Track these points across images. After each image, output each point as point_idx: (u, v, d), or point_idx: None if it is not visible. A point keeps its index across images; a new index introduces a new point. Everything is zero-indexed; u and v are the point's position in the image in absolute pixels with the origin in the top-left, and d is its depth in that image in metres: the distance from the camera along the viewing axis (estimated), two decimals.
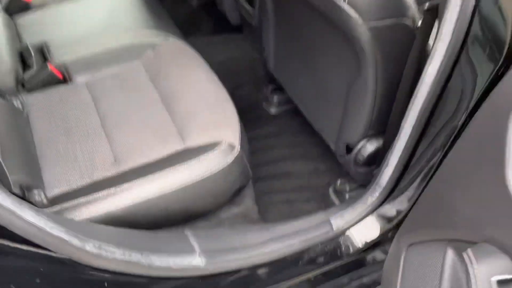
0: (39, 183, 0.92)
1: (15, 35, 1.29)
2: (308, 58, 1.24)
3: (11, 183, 0.82)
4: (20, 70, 1.18)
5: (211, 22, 1.88)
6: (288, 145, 1.51)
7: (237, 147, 0.99)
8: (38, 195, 0.88)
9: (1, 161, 0.78)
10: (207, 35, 1.82)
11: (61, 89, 1.14)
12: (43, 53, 1.23)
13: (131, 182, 0.91)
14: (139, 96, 1.12)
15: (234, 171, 0.99)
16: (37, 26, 1.33)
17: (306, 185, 1.40)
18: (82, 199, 0.88)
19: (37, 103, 1.10)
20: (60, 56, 1.22)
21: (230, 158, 0.97)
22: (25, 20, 1.34)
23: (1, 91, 1.07)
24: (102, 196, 0.89)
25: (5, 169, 0.79)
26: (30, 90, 1.15)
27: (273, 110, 1.62)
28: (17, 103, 1.08)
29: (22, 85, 1.16)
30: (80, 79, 1.18)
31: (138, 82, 1.16)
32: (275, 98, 1.62)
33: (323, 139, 1.32)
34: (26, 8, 1.37)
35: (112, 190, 0.89)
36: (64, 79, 1.18)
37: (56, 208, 0.86)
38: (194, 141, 1.00)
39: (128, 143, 1.00)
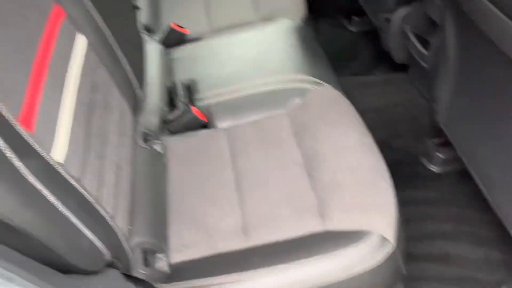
0: (164, 246, 0.85)
1: (168, 70, 1.28)
2: (500, 119, 0.97)
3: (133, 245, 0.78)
4: (166, 109, 1.15)
5: (371, 55, 1.68)
6: (451, 219, 1.23)
7: (392, 243, 0.78)
8: (160, 261, 0.81)
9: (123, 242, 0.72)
10: (365, 71, 1.62)
11: (202, 134, 1.08)
12: (189, 92, 1.18)
13: (259, 270, 0.77)
14: (280, 153, 0.99)
15: (384, 272, 0.79)
16: (188, 61, 1.30)
17: (471, 277, 1.11)
18: (202, 282, 0.78)
19: (177, 149, 1.05)
20: (206, 97, 1.16)
21: (381, 256, 0.77)
22: (179, 53, 1.33)
23: (146, 133, 1.04)
24: (225, 282, 0.77)
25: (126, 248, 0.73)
26: (173, 132, 1.11)
27: (435, 169, 1.35)
28: (158, 146, 1.05)
29: (165, 124, 1.12)
30: (221, 124, 1.10)
31: (280, 136, 1.02)
32: (440, 155, 1.34)
33: (500, 219, 1.02)
34: (182, 40, 1.36)
35: (235, 276, 0.77)
36: (207, 123, 1.12)
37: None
38: (337, 223, 0.82)
39: (260, 212, 0.88)
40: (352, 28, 1.89)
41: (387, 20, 1.38)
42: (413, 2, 1.29)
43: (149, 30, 1.37)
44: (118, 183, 0.79)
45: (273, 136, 1.03)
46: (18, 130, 0.51)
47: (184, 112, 1.12)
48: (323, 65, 1.25)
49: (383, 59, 1.57)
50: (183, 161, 1.03)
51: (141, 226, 0.84)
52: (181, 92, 1.17)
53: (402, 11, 1.32)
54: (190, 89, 1.20)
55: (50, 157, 0.56)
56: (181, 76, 1.25)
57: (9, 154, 0.46)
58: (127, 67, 0.96)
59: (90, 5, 0.85)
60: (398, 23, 1.34)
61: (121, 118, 0.91)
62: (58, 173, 0.56)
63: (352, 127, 0.98)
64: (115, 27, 0.94)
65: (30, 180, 0.49)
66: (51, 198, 0.51)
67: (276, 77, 1.16)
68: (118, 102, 0.91)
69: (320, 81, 1.15)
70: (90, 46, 0.84)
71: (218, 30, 1.39)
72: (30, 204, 0.48)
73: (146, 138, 1.04)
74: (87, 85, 0.79)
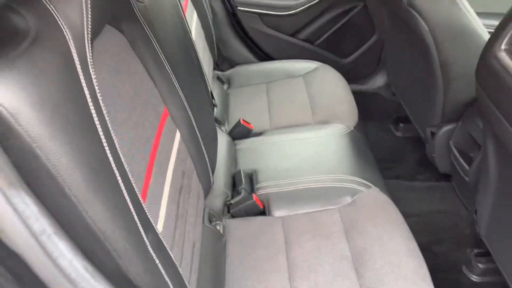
0: None
1: (233, 159, 1.45)
2: None
3: None
4: (229, 194, 1.30)
5: (416, 160, 1.80)
6: None
7: None
8: None
9: None
10: (410, 176, 1.74)
11: (260, 220, 1.21)
12: (251, 181, 1.34)
13: None
14: (330, 246, 1.09)
15: None
16: (251, 153, 1.47)
17: None
18: None
19: (236, 231, 1.18)
20: (265, 187, 1.31)
21: None
22: (243, 145, 1.51)
23: (211, 214, 1.19)
24: None
25: None
26: (234, 215, 1.25)
27: (475, 279, 1.39)
28: (220, 227, 1.19)
29: (228, 209, 1.27)
30: (277, 213, 1.23)
31: (331, 230, 1.14)
32: (480, 265, 1.39)
33: None
34: (247, 134, 1.55)
35: None
36: (264, 211, 1.25)
37: None
38: None
39: None
40: (399, 134, 2.05)
41: (432, 134, 1.52)
42: (457, 121, 1.43)
43: (219, 122, 1.58)
44: (192, 259, 0.92)
45: (324, 229, 1.14)
46: (144, 207, 0.66)
47: (245, 198, 1.26)
48: (372, 168, 1.39)
49: (427, 165, 1.69)
50: (240, 243, 1.15)
51: None
52: (243, 180, 1.32)
53: (447, 128, 1.46)
54: (252, 178, 1.36)
55: (157, 228, 0.70)
56: (244, 165, 1.41)
57: (140, 227, 0.61)
58: (206, 157, 1.14)
59: (186, 105, 1.05)
60: (442, 137, 1.48)
61: (197, 200, 1.06)
62: (162, 243, 0.69)
63: (398, 231, 1.08)
64: (200, 123, 1.13)
65: (150, 250, 0.62)
66: (159, 265, 0.65)
67: (329, 175, 1.30)
68: (197, 186, 1.07)
69: (369, 183, 1.28)
70: (182, 139, 1.03)
71: (279, 128, 1.57)
72: (148, 269, 0.61)
73: (211, 218, 1.19)
74: (179, 173, 0.95)
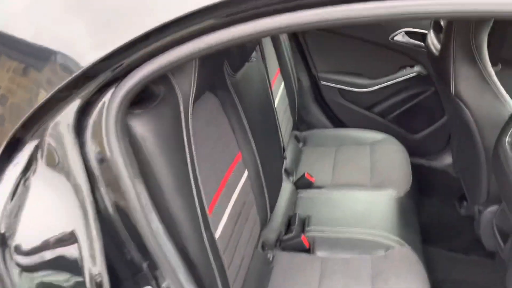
0: None
1: (293, 203, 1.74)
2: None
3: None
4: (283, 231, 1.58)
5: (472, 238, 1.89)
6: None
7: None
8: None
9: None
10: (461, 250, 1.84)
11: (303, 257, 1.45)
12: (303, 224, 1.60)
13: None
14: (355, 287, 1.30)
15: None
16: (309, 201, 1.74)
17: None
18: None
19: (282, 262, 1.44)
20: (314, 230, 1.56)
21: None
22: (304, 194, 1.79)
23: (264, 243, 1.47)
24: None
25: None
26: (283, 249, 1.51)
27: None
28: (270, 255, 1.46)
29: (279, 243, 1.54)
30: (320, 253, 1.47)
31: (360, 274, 1.34)
32: None
33: None
34: (309, 185, 1.83)
35: None
36: (309, 249, 1.50)
37: None
38: None
39: None
40: (462, 211, 2.13)
41: (479, 211, 1.64)
42: (501, 203, 1.55)
43: (288, 173, 1.88)
44: (240, 267, 1.20)
45: (354, 272, 1.35)
46: (207, 213, 0.98)
47: (295, 237, 1.53)
48: (411, 230, 1.56)
49: (480, 243, 1.78)
50: (284, 272, 1.40)
51: None
52: (297, 221, 1.59)
53: (491, 208, 1.58)
54: (304, 221, 1.62)
55: (214, 231, 1.02)
56: (301, 210, 1.69)
57: (202, 225, 0.93)
58: (266, 196, 1.44)
59: (255, 153, 1.37)
60: (487, 216, 1.60)
61: (253, 228, 1.35)
62: (215, 242, 1.00)
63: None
64: (267, 169, 1.45)
65: (205, 242, 0.93)
66: (210, 253, 0.95)
67: (370, 230, 1.51)
68: (254, 217, 1.37)
69: (403, 242, 1.46)
70: (248, 178, 1.35)
71: (338, 185, 1.83)
72: (202, 255, 0.92)
73: (264, 246, 1.47)
74: (240, 202, 1.27)
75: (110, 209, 0.75)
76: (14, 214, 0.74)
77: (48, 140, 0.73)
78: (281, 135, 1.79)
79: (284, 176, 1.81)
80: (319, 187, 1.83)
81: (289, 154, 1.98)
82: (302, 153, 2.10)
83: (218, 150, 1.17)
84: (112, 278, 0.75)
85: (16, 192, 0.75)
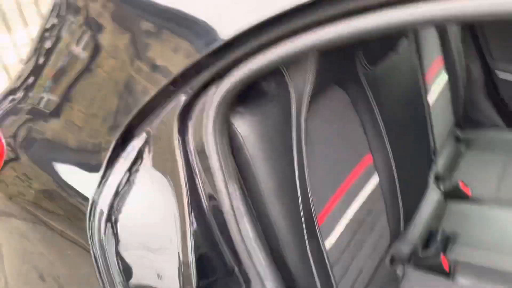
0: None
1: (438, 216, 1.50)
2: None
3: None
4: (420, 247, 1.38)
5: None
6: None
7: None
8: None
9: None
10: None
11: (440, 281, 1.25)
12: (447, 242, 1.37)
13: None
14: None
15: None
16: (460, 216, 1.47)
17: None
18: None
19: (413, 281, 1.26)
20: (459, 253, 1.32)
21: None
22: (455, 207, 1.52)
23: (394, 257, 1.31)
24: None
25: None
26: (416, 266, 1.32)
27: None
28: (400, 272, 1.29)
29: (413, 259, 1.35)
30: (461, 281, 1.23)
31: None
32: None
33: None
34: (463, 197, 1.55)
35: None
36: (449, 274, 1.27)
37: None
38: None
39: None
40: None
41: None
42: None
43: (439, 178, 1.63)
44: (356, 281, 1.09)
45: None
46: (315, 221, 0.90)
47: (434, 255, 1.32)
48: None
49: None
50: None
51: None
52: (439, 237, 1.37)
53: None
54: (448, 240, 1.39)
55: (323, 243, 0.93)
56: (448, 226, 1.45)
57: (305, 233, 0.86)
58: (400, 205, 1.26)
59: (390, 157, 1.21)
60: None
61: (379, 239, 1.21)
62: (322, 252, 0.92)
63: None
64: (405, 175, 1.27)
65: (308, 252, 0.86)
66: (313, 265, 0.88)
67: None
68: (382, 227, 1.22)
69: None
70: (379, 184, 1.21)
71: (503, 201, 1.50)
72: (302, 263, 0.85)
73: (393, 260, 1.31)
74: (364, 210, 1.14)
75: (205, 207, 0.74)
76: (122, 197, 0.79)
77: (155, 134, 0.76)
78: (433, 134, 1.55)
79: (432, 183, 1.58)
80: (476, 201, 1.54)
81: (443, 157, 1.72)
82: (462, 157, 1.79)
83: (341, 151, 1.07)
84: (203, 274, 0.74)
85: (128, 179, 0.80)
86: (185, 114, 0.72)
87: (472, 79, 1.91)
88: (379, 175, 1.20)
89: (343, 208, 1.06)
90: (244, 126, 0.76)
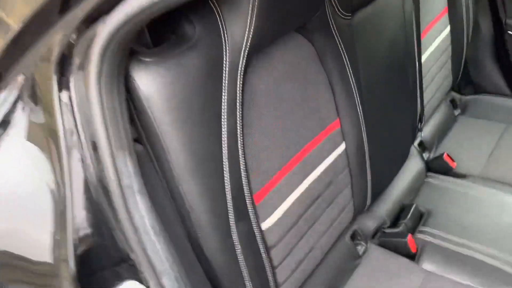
0: None
1: (414, 189, 1.35)
2: None
3: None
4: (388, 222, 1.25)
5: None
6: None
7: None
8: None
9: None
10: None
11: (403, 262, 1.12)
12: (418, 219, 1.24)
13: None
14: None
15: None
16: (438, 192, 1.33)
17: None
18: None
19: (374, 260, 1.14)
20: (429, 233, 1.19)
21: None
22: (435, 180, 1.37)
23: (356, 232, 1.18)
24: None
25: None
26: (380, 243, 1.20)
27: None
28: (361, 248, 1.18)
29: (378, 235, 1.22)
30: (426, 266, 1.11)
31: None
32: None
33: None
34: (447, 170, 1.39)
35: None
36: (414, 256, 1.15)
37: None
38: None
39: None
40: None
41: None
42: None
43: (424, 147, 1.47)
44: (302, 262, 0.97)
45: None
46: (247, 199, 0.76)
47: (400, 234, 1.19)
48: None
49: None
50: (371, 273, 1.11)
51: None
52: (409, 215, 1.24)
53: None
54: (420, 217, 1.25)
55: (257, 224, 0.80)
56: (422, 201, 1.30)
57: (232, 215, 0.72)
58: (368, 176, 1.11)
59: (361, 122, 1.04)
60: None
61: (339, 213, 1.08)
62: (253, 235, 0.78)
63: None
64: (377, 141, 1.11)
65: (233, 236, 0.73)
66: (239, 252, 0.75)
67: (510, 257, 1.07)
68: (344, 200, 1.08)
69: None
70: (346, 152, 1.05)
71: (488, 180, 1.35)
72: (223, 250, 0.72)
73: (354, 236, 1.18)
74: (324, 182, 1.00)
75: (93, 180, 0.59)
76: None
77: (30, 86, 0.59)
78: (421, 98, 1.36)
79: (415, 152, 1.42)
80: (460, 176, 1.39)
81: (434, 122, 1.54)
82: (455, 124, 1.62)
83: (299, 114, 0.90)
84: (84, 260, 0.61)
85: None
86: (64, 64, 0.55)
87: (478, 36, 1.67)
88: (346, 143, 1.04)
89: (294, 182, 0.91)
90: (147, 82, 0.59)
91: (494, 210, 1.23)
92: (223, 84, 0.67)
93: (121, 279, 0.63)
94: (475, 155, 1.44)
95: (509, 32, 1.59)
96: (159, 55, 0.61)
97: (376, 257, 1.16)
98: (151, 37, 0.65)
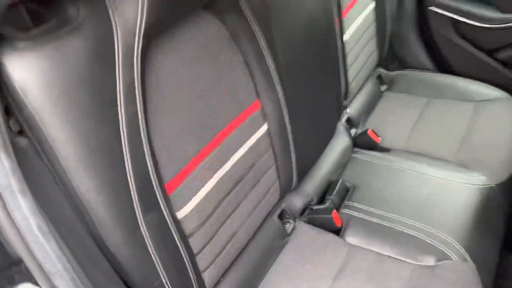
0: None
1: (341, 165, 1.38)
2: None
3: None
4: (315, 199, 1.27)
5: None
6: None
7: None
8: None
9: None
10: None
11: (329, 238, 1.15)
12: (344, 195, 1.27)
13: None
14: None
15: None
16: (363, 166, 1.36)
17: None
18: None
19: (302, 237, 1.16)
20: (355, 208, 1.23)
21: None
22: (361, 156, 1.40)
23: (284, 211, 1.19)
24: None
25: None
26: (308, 221, 1.22)
27: None
28: (289, 226, 1.19)
29: (307, 213, 1.25)
30: (350, 239, 1.15)
31: (389, 285, 1.02)
32: None
33: None
34: (371, 146, 1.43)
35: None
36: (339, 230, 1.19)
37: None
38: None
39: None
40: None
41: None
42: None
43: (352, 124, 1.50)
44: (225, 248, 0.96)
45: (384, 280, 1.03)
46: (157, 189, 0.73)
47: (326, 210, 1.22)
48: (488, 243, 1.14)
49: None
50: (298, 251, 1.13)
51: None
52: (336, 191, 1.27)
53: None
54: (346, 192, 1.29)
55: (171, 214, 0.77)
56: (348, 177, 1.34)
57: (138, 206, 0.69)
58: (292, 155, 1.12)
59: (282, 101, 1.03)
60: None
61: (265, 194, 1.08)
62: (167, 224, 0.76)
63: None
64: (302, 119, 1.11)
65: (141, 227, 0.70)
66: (151, 243, 0.73)
67: (428, 227, 1.13)
68: (269, 181, 1.08)
69: (467, 256, 1.06)
70: (268, 133, 1.04)
71: (411, 152, 1.40)
72: (130, 243, 0.70)
73: (282, 215, 1.20)
74: (246, 164, 0.99)
75: None
76: None
77: None
78: (346, 76, 1.38)
79: (342, 129, 1.45)
80: (384, 150, 1.43)
81: (360, 99, 1.57)
82: (381, 100, 1.66)
83: (213, 97, 0.87)
84: None
85: None
86: None
87: (402, 12, 1.71)
88: (268, 123, 1.04)
89: (213, 167, 0.89)
90: (21, 69, 0.54)
91: (414, 182, 1.29)
92: (117, 70, 0.63)
93: (15, 282, 0.60)
94: (398, 129, 1.49)
95: (430, 8, 1.64)
96: (35, 39, 0.56)
97: (304, 234, 1.18)
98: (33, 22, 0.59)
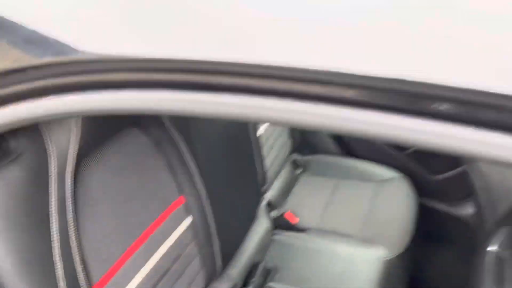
0: None
1: (263, 248, 1.51)
2: None
3: None
4: (239, 284, 1.36)
5: None
6: None
7: None
8: None
9: None
10: None
11: None
12: (266, 277, 1.38)
13: None
14: None
15: None
16: (283, 248, 1.50)
17: None
18: None
19: None
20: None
21: None
22: (281, 237, 1.55)
23: None
24: None
25: None
26: None
27: None
28: None
29: None
30: None
31: None
32: None
33: None
34: (289, 227, 1.58)
35: None
36: None
37: None
38: None
39: None
40: None
41: None
42: None
43: (272, 206, 1.65)
44: None
45: None
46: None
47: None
48: None
49: None
50: None
51: None
52: (257, 273, 1.37)
53: None
54: (269, 274, 1.40)
55: None
56: (270, 259, 1.46)
57: None
58: (217, 244, 1.22)
59: (204, 195, 1.16)
60: None
61: (189, 285, 1.15)
62: None
63: None
64: (222, 209, 1.23)
65: None
66: None
67: None
68: (194, 272, 1.17)
69: None
70: (192, 225, 1.15)
71: (324, 230, 1.57)
72: None
73: None
74: (171, 257, 1.07)
75: None
76: None
77: None
78: (262, 165, 1.56)
79: (262, 213, 1.59)
80: (301, 230, 1.59)
81: (279, 183, 1.75)
82: (297, 182, 1.85)
83: (137, 200, 0.98)
84: None
85: None
86: None
87: None
88: (193, 215, 1.15)
89: (139, 263, 0.97)
90: None
91: (327, 260, 1.44)
92: (50, 189, 0.72)
93: None
94: (313, 210, 1.67)
95: None
96: None
97: None
98: None
